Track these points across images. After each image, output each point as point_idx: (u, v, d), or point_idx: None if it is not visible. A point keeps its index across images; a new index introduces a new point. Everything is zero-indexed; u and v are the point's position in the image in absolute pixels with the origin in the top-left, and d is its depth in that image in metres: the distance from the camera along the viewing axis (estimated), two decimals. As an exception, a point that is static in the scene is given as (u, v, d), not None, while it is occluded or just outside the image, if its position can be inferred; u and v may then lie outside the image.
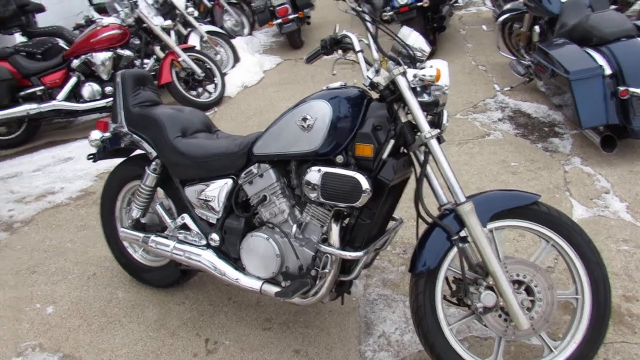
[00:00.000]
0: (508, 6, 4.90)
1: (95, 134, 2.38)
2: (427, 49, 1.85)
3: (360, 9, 1.90)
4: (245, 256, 2.08)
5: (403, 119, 1.80)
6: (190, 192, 2.23)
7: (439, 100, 1.81)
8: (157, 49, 5.07)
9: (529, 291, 1.80)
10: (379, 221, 1.94)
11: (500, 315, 1.78)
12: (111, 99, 4.71)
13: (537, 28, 4.25)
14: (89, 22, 5.32)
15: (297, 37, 6.83)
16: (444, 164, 1.75)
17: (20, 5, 5.25)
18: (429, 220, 1.82)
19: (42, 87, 4.57)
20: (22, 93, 4.54)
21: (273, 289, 1.99)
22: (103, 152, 2.48)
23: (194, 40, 5.66)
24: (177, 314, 2.43)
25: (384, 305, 2.33)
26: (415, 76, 1.76)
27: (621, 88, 3.10)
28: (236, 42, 6.49)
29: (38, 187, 3.87)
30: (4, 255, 3.06)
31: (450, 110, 4.37)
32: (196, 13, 6.81)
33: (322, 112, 1.83)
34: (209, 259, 2.15)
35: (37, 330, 2.42)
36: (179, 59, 4.89)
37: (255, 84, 5.84)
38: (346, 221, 1.90)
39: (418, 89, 1.80)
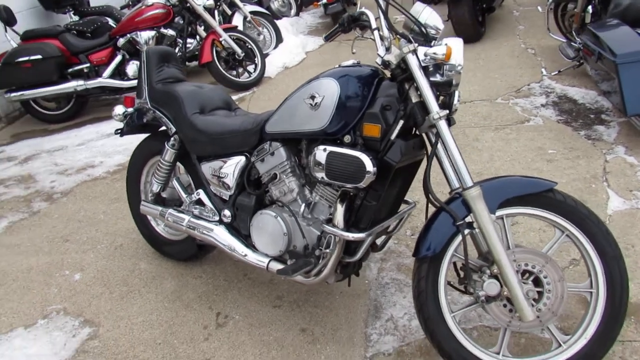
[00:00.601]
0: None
1: (119, 109, 2.45)
2: (441, 25, 1.76)
3: None
4: (255, 233, 2.09)
5: (414, 99, 1.74)
6: (206, 168, 2.26)
7: (452, 80, 1.73)
8: (200, 28, 5.15)
9: (538, 282, 1.72)
10: (386, 203, 1.90)
11: (505, 305, 1.71)
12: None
13: (590, 8, 3.99)
14: (136, 1, 5.47)
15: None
16: (452, 147, 1.68)
17: (73, -14, 5.47)
18: (437, 204, 1.77)
19: (88, 65, 4.76)
20: (70, 70, 4.75)
21: (278, 267, 2.00)
22: (129, 127, 2.55)
23: (237, 21, 5.72)
24: (193, 287, 2.49)
25: (396, 290, 2.30)
26: (426, 54, 1.69)
27: (672, 73, 2.88)
28: (281, 23, 6.49)
29: (80, 161, 4.05)
30: (41, 224, 3.23)
31: (492, 95, 4.22)
32: (243, -7, 6.88)
33: (330, 91, 1.80)
34: (220, 235, 2.18)
35: (63, 295, 2.55)
36: (220, 39, 4.95)
37: (296, 64, 5.83)
38: (354, 202, 1.88)
39: (430, 68, 1.73)
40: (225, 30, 5.06)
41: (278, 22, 6.57)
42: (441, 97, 1.77)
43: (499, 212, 1.73)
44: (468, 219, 1.70)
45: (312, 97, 1.83)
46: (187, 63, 5.23)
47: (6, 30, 4.70)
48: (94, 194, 3.53)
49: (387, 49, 1.76)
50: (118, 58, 4.82)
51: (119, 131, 2.61)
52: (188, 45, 5.19)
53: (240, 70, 5.22)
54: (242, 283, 2.48)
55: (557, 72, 4.38)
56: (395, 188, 1.91)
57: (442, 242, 1.73)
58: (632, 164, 2.98)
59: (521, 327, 1.72)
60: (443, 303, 1.76)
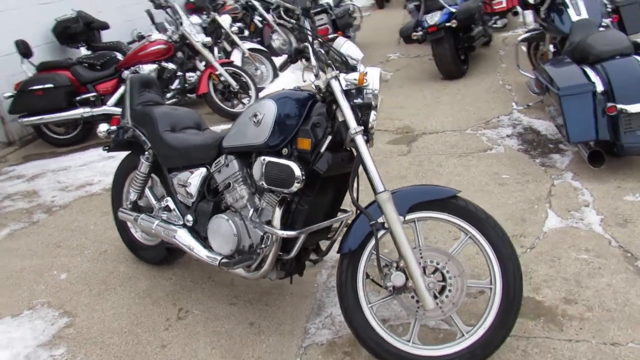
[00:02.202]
0: (531, 26, 4.98)
1: (102, 127, 2.81)
2: (359, 56, 2.09)
3: (301, 26, 2.18)
4: (210, 235, 2.39)
5: (340, 118, 2.05)
6: (174, 178, 2.59)
7: (370, 102, 2.04)
8: (199, 63, 5.59)
9: (442, 277, 1.97)
10: (318, 207, 2.17)
11: (413, 297, 1.97)
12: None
13: (551, 47, 4.31)
14: (140, 37, 5.95)
15: (337, 55, 7.15)
16: (366, 158, 1.96)
17: (87, 23, 5.99)
18: (356, 208, 2.05)
19: (95, 94, 5.20)
20: (78, 98, 5.19)
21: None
22: (115, 144, 2.90)
23: (236, 56, 6.16)
24: (163, 287, 2.77)
25: (339, 291, 2.55)
26: (346, 80, 2.01)
27: (609, 104, 3.15)
28: (278, 59, 6.93)
29: (80, 179, 4.42)
30: (39, 232, 3.57)
31: (462, 126, 4.51)
32: (247, 32, 7.39)
33: (268, 109, 2.12)
34: (182, 236, 2.48)
35: (49, 292, 2.85)
36: (217, 72, 5.37)
37: (289, 97, 6.21)
38: (291, 206, 2.17)
39: (353, 91, 2.05)
40: (222, 64, 5.48)
41: (275, 59, 7.02)
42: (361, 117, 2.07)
43: (411, 216, 2.00)
44: (381, 220, 1.97)
45: (255, 115, 2.15)
46: (187, 94, 5.64)
47: (22, 62, 5.19)
48: (89, 207, 3.87)
49: (316, 76, 2.08)
50: (122, 88, 5.26)
51: (107, 148, 2.96)
52: (188, 78, 5.61)
53: (235, 101, 5.62)
54: (206, 284, 2.76)
55: (526, 106, 4.67)
56: (328, 195, 2.19)
57: (359, 239, 2.00)
58: (576, 188, 3.23)
59: (426, 316, 1.97)
60: (361, 295, 2.02)
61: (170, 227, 2.54)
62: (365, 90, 2.03)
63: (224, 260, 2.26)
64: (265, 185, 2.11)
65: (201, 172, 2.47)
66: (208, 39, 5.42)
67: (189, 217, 2.51)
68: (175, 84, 5.47)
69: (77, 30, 5.90)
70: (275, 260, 2.18)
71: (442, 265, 1.97)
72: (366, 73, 2.03)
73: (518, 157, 3.78)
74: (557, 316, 2.21)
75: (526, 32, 4.97)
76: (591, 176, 3.32)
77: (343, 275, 2.03)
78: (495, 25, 7.41)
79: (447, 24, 5.55)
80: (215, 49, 6.10)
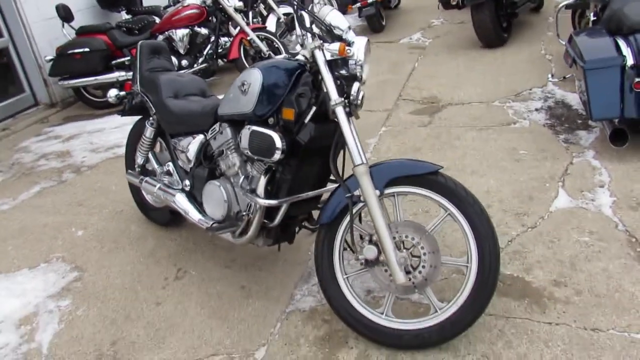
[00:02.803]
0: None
1: (112, 92, 2.91)
2: (344, 25, 2.04)
3: None
4: (204, 200, 2.47)
5: (325, 89, 2.03)
6: (174, 144, 2.66)
7: (356, 73, 2.01)
8: (232, 28, 5.62)
9: (416, 253, 1.96)
10: (302, 178, 2.17)
11: (386, 270, 1.96)
12: (185, 70, 5.38)
13: (591, 15, 4.03)
14: (175, 2, 6.02)
15: (376, 21, 7.01)
16: (345, 130, 1.94)
17: (128, -12, 6.14)
18: (336, 179, 2.05)
19: (130, 58, 5.36)
20: (114, 62, 5.37)
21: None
22: (127, 108, 3.00)
23: (271, 21, 6.14)
24: (167, 247, 2.90)
25: (329, 261, 2.58)
26: (327, 50, 1.98)
27: (637, 79, 2.94)
28: (314, 24, 6.85)
29: (110, 141, 4.62)
30: (65, 191, 3.79)
31: (491, 97, 4.34)
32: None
33: (254, 78, 2.12)
34: (179, 200, 2.57)
35: (65, 247, 3.05)
36: (248, 38, 5.38)
37: (322, 64, 6.15)
38: (276, 176, 2.19)
39: (339, 62, 2.02)
40: (255, 30, 5.48)
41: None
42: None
43: (390, 190, 1.98)
44: (358, 192, 1.96)
45: (242, 84, 2.16)
46: (218, 59, 5.70)
47: (63, 26, 5.40)
48: (113, 169, 4.06)
49: (302, 45, 2.06)
50: (155, 53, 5.38)
51: (120, 112, 3.07)
52: (222, 43, 5.66)
53: (266, 67, 5.62)
54: (207, 247, 2.86)
55: (562, 78, 4.41)
56: (314, 166, 2.19)
57: (336, 211, 2.01)
58: (594, 167, 3.07)
59: (398, 290, 1.97)
60: (337, 266, 2.04)
61: (170, 190, 2.63)
62: (349, 61, 2.00)
63: (211, 225, 2.33)
64: (250, 154, 2.15)
65: (199, 138, 2.52)
66: (240, 4, 5.42)
67: (187, 182, 2.59)
68: (208, 49, 5.54)
69: (118, -5, 6.05)
70: (259, 227, 2.23)
71: (416, 240, 1.95)
72: (350, 43, 2.00)
73: (541, 132, 3.62)
74: (542, 298, 2.15)
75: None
76: (613, 156, 3.14)
77: (320, 246, 2.06)
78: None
79: (488, -12, 5.29)
80: (251, 14, 6.11)
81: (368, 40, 2.05)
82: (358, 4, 6.72)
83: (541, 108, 4.01)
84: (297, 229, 2.44)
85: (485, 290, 1.89)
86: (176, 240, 2.97)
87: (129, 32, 5.67)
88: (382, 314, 2.00)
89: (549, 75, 4.58)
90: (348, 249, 2.07)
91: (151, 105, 2.75)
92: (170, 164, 2.70)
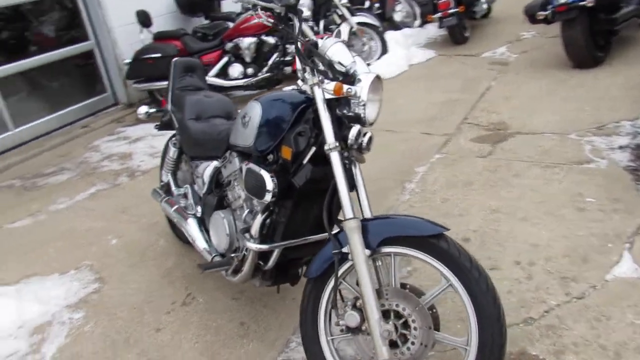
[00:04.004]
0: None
1: (142, 109, 2.92)
2: (346, 61, 1.82)
3: (283, 26, 1.98)
4: (211, 229, 2.38)
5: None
6: (194, 167, 2.60)
7: (359, 114, 1.79)
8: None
9: (407, 325, 1.70)
10: (297, 222, 2.01)
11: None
12: (250, 79, 5.39)
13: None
14: (246, 9, 6.04)
15: (457, 32, 6.58)
16: (339, 179, 1.74)
17: (208, -6, 6.28)
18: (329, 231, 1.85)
19: (199, 65, 5.46)
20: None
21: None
22: (162, 124, 3.00)
23: (343, 30, 5.97)
24: (184, 268, 2.86)
25: (337, 308, 2.38)
26: (324, 89, 1.78)
27: None
28: (392, 35, 6.59)
29: (169, 146, 4.73)
30: (116, 195, 3.92)
31: (568, 128, 3.85)
32: (367, 3, 7.14)
33: (254, 112, 1.99)
34: (190, 226, 2.51)
35: (97, 255, 3.12)
36: (315, 48, 5.25)
37: (392, 77, 5.89)
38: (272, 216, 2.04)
39: (343, 101, 1.82)
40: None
41: (394, 34, 6.68)
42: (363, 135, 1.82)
43: (386, 249, 1.75)
44: (345, 250, 1.75)
45: (244, 117, 2.04)
46: (283, 68, 5.64)
47: (141, 31, 5.63)
48: (163, 176, 4.13)
49: (303, 80, 1.88)
50: (224, 60, 5.45)
51: (157, 126, 3.08)
52: (289, 52, 5.60)
53: (333, 78, 5.48)
54: (220, 274, 2.77)
55: (658, 111, 3.81)
56: (311, 210, 2.01)
57: (323, 267, 1.81)
58: (675, 229, 2.57)
59: (382, 365, 1.73)
60: (321, 325, 1.85)
61: (182, 214, 2.58)
62: (351, 101, 1.79)
63: (201, 263, 2.23)
64: (244, 193, 2.01)
65: (213, 164, 2.44)
66: (308, 13, 5.31)
67: (198, 208, 2.52)
68: (273, 58, 5.50)
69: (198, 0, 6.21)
70: (252, 268, 2.09)
71: (408, 312, 1.70)
72: (354, 81, 1.78)
73: (619, 176, 3.11)
74: (564, 392, 1.80)
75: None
76: (703, 215, 2.61)
77: (305, 301, 1.88)
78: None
79: (581, 3, 4.71)
80: (322, 23, 5.99)
81: (377, 76, 1.83)
82: (439, 14, 6.34)
83: (627, 146, 3.47)
84: (301, 270, 2.27)
85: (483, 381, 1.60)
86: (195, 260, 2.91)
87: (203, 38, 5.79)
88: (366, 386, 1.78)
89: (645, 106, 3.97)
90: (335, 308, 1.86)
91: (176, 125, 2.71)
92: (189, 187, 2.64)
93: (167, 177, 2.88)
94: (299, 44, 1.89)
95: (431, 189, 3.30)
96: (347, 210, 1.73)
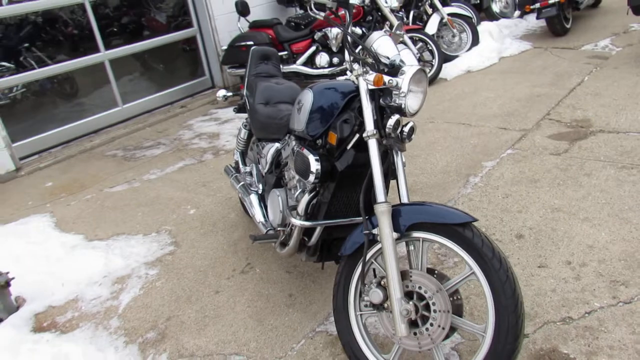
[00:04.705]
0: None
1: (220, 92, 3.19)
2: (391, 53, 1.91)
3: (330, 17, 2.09)
4: (268, 205, 2.59)
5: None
6: (259, 148, 2.83)
7: (401, 104, 1.88)
8: (387, 27, 5.58)
9: (428, 307, 1.79)
10: (339, 203, 2.15)
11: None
12: (335, 67, 5.55)
13: None
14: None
15: (557, 23, 6.25)
16: (374, 164, 1.85)
17: (302, -16, 6.51)
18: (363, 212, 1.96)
19: (287, 52, 5.72)
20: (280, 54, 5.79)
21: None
22: (240, 107, 3.27)
23: (434, 21, 5.93)
24: (247, 241, 3.11)
25: (378, 288, 2.49)
26: (366, 80, 1.89)
27: None
28: (484, 25, 6.42)
29: (253, 128, 5.05)
30: (199, 170, 4.29)
31: (660, 129, 3.59)
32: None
33: (306, 99, 2.15)
34: (252, 201, 2.74)
35: (176, 221, 3.49)
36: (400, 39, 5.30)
37: (481, 69, 5.76)
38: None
39: (386, 91, 1.92)
40: (409, 30, 5.38)
41: (488, 25, 6.50)
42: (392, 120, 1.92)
43: (415, 234, 1.84)
44: (375, 231, 1.87)
45: (298, 103, 2.21)
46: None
47: (238, 20, 5.99)
48: (243, 156, 4.45)
49: (350, 71, 2.00)
50: (312, 49, 5.65)
51: (235, 108, 3.35)
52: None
53: (416, 69, 5.49)
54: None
55: None
56: (351, 194, 2.14)
57: (354, 246, 1.94)
58: None
59: (402, 342, 1.83)
60: (351, 300, 1.98)
61: (246, 191, 2.82)
62: (394, 92, 1.89)
63: (253, 234, 2.45)
64: (293, 173, 2.19)
65: (275, 146, 2.65)
66: (395, 4, 5.35)
67: (260, 186, 2.74)
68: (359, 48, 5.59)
69: (295, -11, 6.48)
70: (297, 243, 2.27)
71: (429, 295, 1.78)
72: (400, 73, 1.87)
73: None
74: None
75: None
76: None
77: (338, 277, 2.02)
78: None
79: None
80: (412, 14, 6.00)
81: (421, 69, 1.90)
82: (537, 5, 6.06)
83: None
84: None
85: (495, 367, 1.65)
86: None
87: (296, 28, 6.04)
88: (386, 360, 1.90)
89: None
90: (363, 285, 1.98)
91: (248, 108, 2.95)
92: (254, 166, 2.88)
93: (237, 156, 3.14)
94: (347, 37, 2.00)
95: (495, 184, 3.27)
96: (380, 194, 1.84)
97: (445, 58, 5.83)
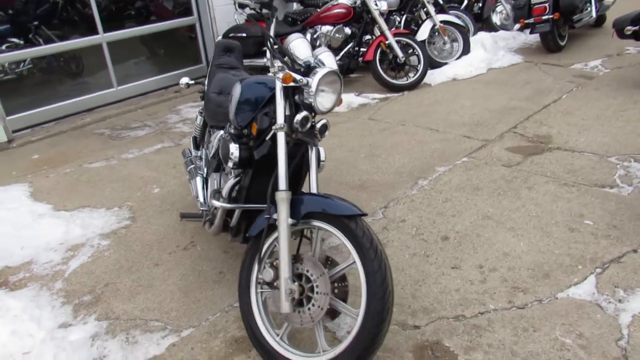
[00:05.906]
0: None
1: (183, 80, 3.36)
2: (303, 55, 2.07)
3: (254, 21, 2.24)
4: (208, 188, 2.77)
5: (286, 112, 2.12)
6: (209, 134, 3.01)
7: (309, 103, 2.04)
8: (377, 30, 5.71)
9: (312, 289, 1.95)
10: (257, 189, 2.31)
11: (282, 297, 2.00)
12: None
13: None
14: (330, -1, 6.32)
15: (551, 39, 6.29)
16: (280, 156, 2.02)
17: (303, -20, 6.67)
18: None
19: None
20: (264, 48, 5.97)
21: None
22: (202, 95, 3.45)
23: (425, 27, 6.04)
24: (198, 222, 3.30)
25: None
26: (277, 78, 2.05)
27: None
28: (479, 35, 6.51)
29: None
30: (174, 152, 4.49)
31: (611, 151, 3.69)
32: (466, 1, 7.10)
33: (235, 91, 2.32)
34: (196, 183, 2.93)
35: (139, 199, 3.69)
36: (387, 42, 5.44)
37: (467, 78, 5.84)
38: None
39: (301, 89, 2.08)
40: (396, 35, 5.51)
41: (483, 35, 6.58)
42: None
43: (310, 222, 2.00)
44: (275, 216, 2.03)
45: (230, 95, 2.38)
46: (359, 59, 5.87)
47: (235, 11, 6.19)
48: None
49: (269, 69, 2.16)
50: (302, 45, 5.81)
51: (201, 96, 3.54)
52: (365, 43, 5.82)
53: (402, 73, 5.62)
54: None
55: None
56: (267, 181, 2.29)
57: (258, 228, 2.10)
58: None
59: (288, 319, 2.00)
60: (253, 278, 2.15)
61: (194, 173, 3.00)
62: (304, 90, 2.05)
63: (182, 211, 2.63)
64: (220, 157, 2.36)
65: (220, 133, 2.82)
66: (384, 8, 5.48)
67: (205, 169, 2.92)
68: (347, 47, 5.75)
69: (294, -13, 6.64)
70: (221, 224, 2.45)
71: (314, 278, 1.94)
72: (313, 73, 2.02)
73: (635, 206, 2.98)
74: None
75: None
76: (694, 256, 2.46)
77: (244, 256, 2.19)
78: None
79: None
80: (404, 18, 6.12)
81: (333, 71, 2.05)
82: (532, 19, 6.12)
83: (667, 176, 3.27)
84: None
85: (360, 349, 1.81)
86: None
87: (293, 23, 6.21)
88: (278, 336, 2.06)
89: None
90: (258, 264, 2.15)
91: (204, 96, 3.13)
92: (204, 150, 3.06)
93: (194, 141, 3.33)
94: (270, 38, 2.16)
95: (440, 188, 3.40)
96: (281, 183, 2.00)
97: (433, 64, 5.94)
